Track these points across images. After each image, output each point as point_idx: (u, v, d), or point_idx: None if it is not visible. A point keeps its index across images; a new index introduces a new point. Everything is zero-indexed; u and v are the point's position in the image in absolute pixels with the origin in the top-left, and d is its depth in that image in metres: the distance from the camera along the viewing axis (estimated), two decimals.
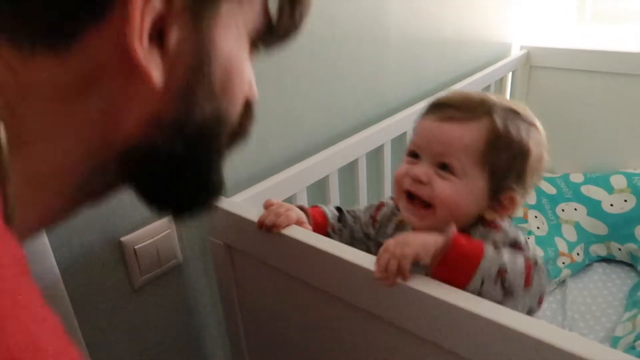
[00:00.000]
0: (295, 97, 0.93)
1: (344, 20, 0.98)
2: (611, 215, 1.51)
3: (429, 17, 1.24)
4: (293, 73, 0.91)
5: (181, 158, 0.35)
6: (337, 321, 0.67)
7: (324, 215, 0.75)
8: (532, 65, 1.69)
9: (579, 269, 1.50)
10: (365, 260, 0.58)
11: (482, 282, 0.52)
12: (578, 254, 1.51)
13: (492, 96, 0.66)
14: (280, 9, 0.37)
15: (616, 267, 1.52)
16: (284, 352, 0.81)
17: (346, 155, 1.00)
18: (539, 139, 0.65)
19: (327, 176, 0.97)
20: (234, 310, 0.84)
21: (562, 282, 1.46)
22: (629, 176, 1.53)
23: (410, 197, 0.64)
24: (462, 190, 0.61)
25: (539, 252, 1.45)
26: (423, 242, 0.53)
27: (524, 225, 1.56)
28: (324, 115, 1.00)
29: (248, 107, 0.40)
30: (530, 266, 0.54)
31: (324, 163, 0.95)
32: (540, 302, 0.57)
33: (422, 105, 1.17)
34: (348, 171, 1.04)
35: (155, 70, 0.30)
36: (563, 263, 1.47)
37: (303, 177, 0.91)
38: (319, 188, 0.98)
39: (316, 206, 0.77)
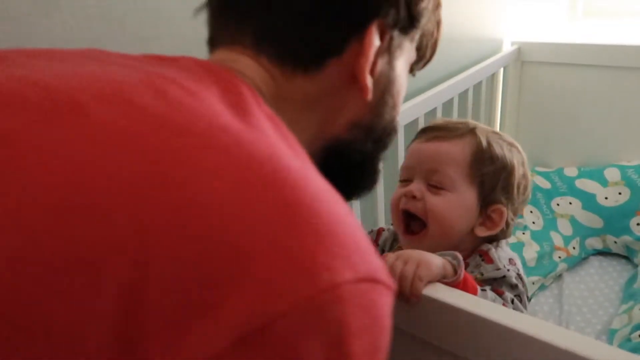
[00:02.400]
0: None
1: None
2: (606, 208, 1.52)
3: None
4: None
5: (367, 153, 0.49)
6: None
7: None
8: (523, 60, 1.70)
9: (575, 263, 1.50)
10: None
11: None
12: (574, 248, 1.51)
13: (476, 122, 0.72)
14: (425, 46, 0.52)
15: (612, 260, 1.52)
16: None
17: None
18: (521, 158, 0.70)
19: None
20: None
21: (559, 277, 1.46)
22: (622, 169, 1.54)
23: (407, 217, 0.68)
24: (454, 203, 0.65)
25: (534, 247, 1.46)
26: (434, 264, 0.54)
27: (520, 220, 1.56)
28: None
29: None
30: None
31: None
32: None
33: (413, 103, 1.18)
34: None
35: (370, 90, 0.43)
36: (559, 257, 1.47)
37: None
38: None
39: None
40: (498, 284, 0.63)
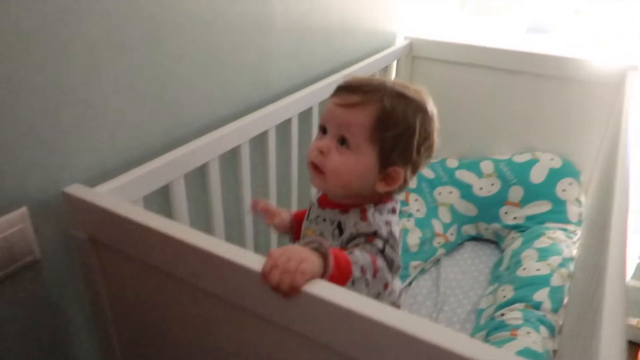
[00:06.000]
0: (172, 80, 0.88)
1: (225, 2, 0.94)
2: (480, 197, 1.66)
3: (315, 4, 1.24)
4: (170, 54, 0.86)
5: None
6: (215, 319, 0.65)
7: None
8: (414, 55, 1.78)
9: (452, 248, 1.63)
10: (244, 258, 0.57)
11: (353, 283, 0.61)
12: (452, 234, 1.63)
13: (389, 82, 0.75)
14: None
15: (483, 245, 1.67)
16: (158, 350, 0.78)
17: (228, 142, 0.97)
18: (427, 121, 0.75)
19: (207, 163, 0.93)
20: (103, 308, 0.79)
21: (437, 261, 1.58)
22: (496, 162, 1.68)
23: (315, 168, 0.75)
24: (353, 163, 0.72)
25: (417, 234, 1.55)
26: (318, 263, 0.56)
27: (405, 208, 1.65)
28: (204, 99, 0.96)
29: None
30: (375, 260, 0.65)
31: (204, 149, 0.91)
32: (386, 288, 0.69)
33: (309, 91, 1.19)
34: (230, 158, 1.02)
35: None
36: (438, 243, 1.58)
37: (180, 165, 0.87)
38: (199, 176, 0.95)
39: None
40: (371, 236, 0.71)
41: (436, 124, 0.77)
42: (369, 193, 0.75)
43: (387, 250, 0.69)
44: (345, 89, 0.75)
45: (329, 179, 0.73)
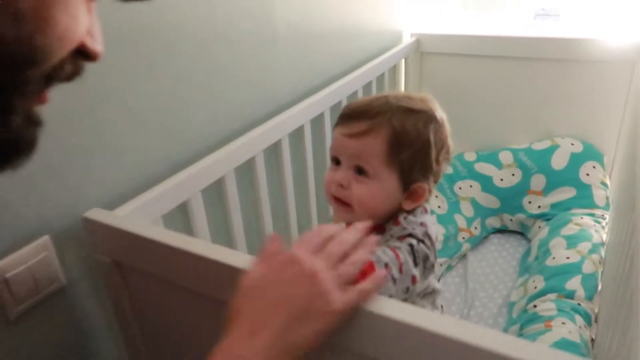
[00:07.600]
0: (174, 102, 0.88)
1: (223, 19, 0.95)
2: (501, 189, 1.63)
3: (317, 11, 1.23)
4: (170, 77, 0.86)
5: None
6: None
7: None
8: (422, 51, 1.76)
9: (477, 242, 1.60)
10: None
11: None
12: (476, 228, 1.61)
13: (392, 98, 0.73)
14: None
15: (509, 237, 1.64)
16: None
17: (242, 154, 0.97)
18: (439, 130, 0.73)
19: (223, 177, 0.94)
20: (132, 331, 0.79)
21: (463, 256, 1.55)
22: (514, 152, 1.65)
23: (336, 198, 0.74)
24: (376, 190, 0.70)
25: (441, 230, 1.53)
26: None
27: (425, 205, 1.63)
28: (208, 118, 0.96)
29: (82, 54, 0.38)
30: (398, 254, 0.64)
31: (219, 164, 0.91)
32: (414, 282, 0.65)
33: (319, 97, 1.18)
34: (245, 170, 1.02)
35: None
36: (463, 238, 1.56)
37: (197, 180, 0.87)
38: (215, 191, 0.95)
39: None
40: (403, 236, 0.69)
41: (448, 128, 0.74)
42: (396, 212, 0.73)
43: (420, 246, 0.67)
44: (349, 117, 0.73)
45: (356, 210, 0.71)
